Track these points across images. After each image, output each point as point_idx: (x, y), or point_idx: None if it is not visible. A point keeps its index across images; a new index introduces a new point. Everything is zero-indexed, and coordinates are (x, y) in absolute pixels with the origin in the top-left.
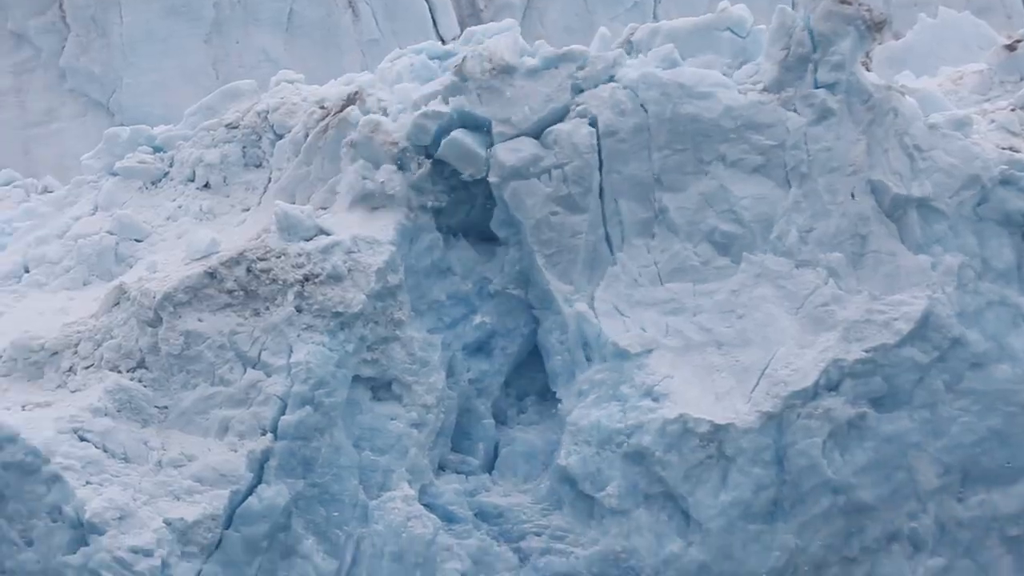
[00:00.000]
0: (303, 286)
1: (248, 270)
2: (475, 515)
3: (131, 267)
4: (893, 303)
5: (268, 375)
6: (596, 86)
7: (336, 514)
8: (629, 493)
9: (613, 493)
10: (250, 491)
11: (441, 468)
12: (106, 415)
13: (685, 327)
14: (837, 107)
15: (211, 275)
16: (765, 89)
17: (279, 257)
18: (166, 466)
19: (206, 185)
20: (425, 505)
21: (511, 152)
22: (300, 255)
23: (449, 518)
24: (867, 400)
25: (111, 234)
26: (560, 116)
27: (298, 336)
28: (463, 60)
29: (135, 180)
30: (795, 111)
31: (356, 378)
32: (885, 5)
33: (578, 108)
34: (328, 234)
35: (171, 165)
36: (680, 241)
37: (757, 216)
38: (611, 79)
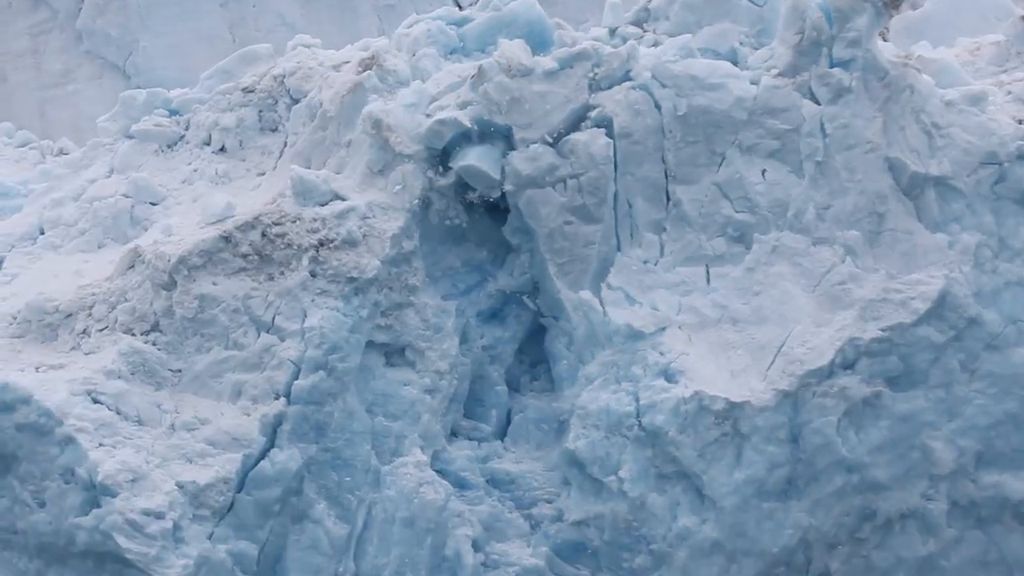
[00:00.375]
0: (318, 251)
1: (263, 234)
2: (487, 482)
3: (146, 230)
4: (910, 282)
5: (282, 340)
6: (611, 87)
7: (348, 479)
8: (640, 476)
9: (624, 477)
10: (263, 455)
11: (453, 434)
12: (119, 378)
13: (700, 303)
14: (853, 85)
15: (226, 239)
16: (780, 74)
17: (294, 222)
18: (179, 429)
19: (222, 149)
20: (437, 471)
21: (527, 161)
22: (315, 220)
23: (461, 484)
24: (883, 379)
25: (126, 197)
26: (578, 117)
27: (312, 301)
28: (479, 69)
29: (151, 143)
30: (810, 93)
31: (370, 343)
32: None
33: (594, 113)
34: (343, 199)
35: (187, 128)
36: (694, 232)
37: (772, 202)
38: (627, 74)
